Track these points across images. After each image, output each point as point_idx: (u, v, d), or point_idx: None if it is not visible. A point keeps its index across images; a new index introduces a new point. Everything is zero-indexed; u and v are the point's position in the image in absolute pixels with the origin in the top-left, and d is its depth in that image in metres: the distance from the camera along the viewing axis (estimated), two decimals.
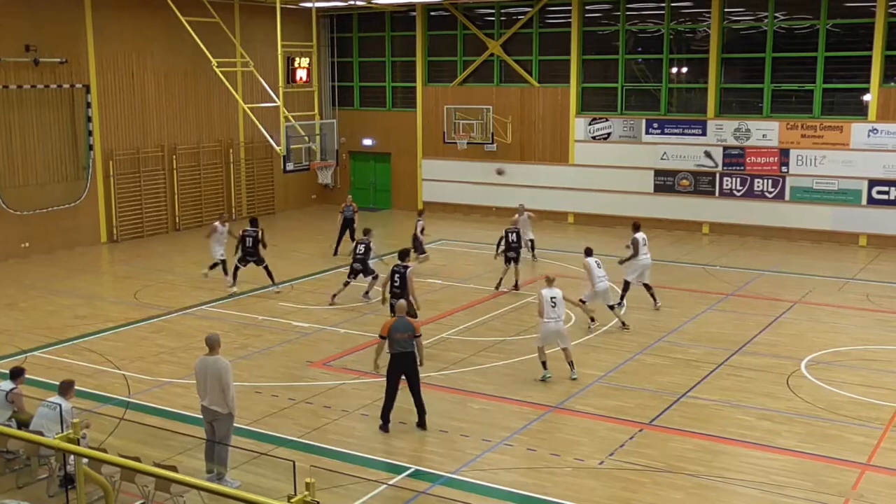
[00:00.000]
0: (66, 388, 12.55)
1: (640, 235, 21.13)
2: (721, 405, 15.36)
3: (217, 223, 24.09)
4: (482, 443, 13.84)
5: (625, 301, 21.03)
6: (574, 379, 16.46)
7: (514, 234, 23.14)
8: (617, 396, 15.80)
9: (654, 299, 21.26)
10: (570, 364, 16.59)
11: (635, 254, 20.96)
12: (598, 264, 19.70)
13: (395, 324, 14.35)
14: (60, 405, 12.11)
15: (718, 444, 13.79)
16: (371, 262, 22.04)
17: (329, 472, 12.35)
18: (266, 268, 23.04)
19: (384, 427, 14.32)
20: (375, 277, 21.81)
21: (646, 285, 21.29)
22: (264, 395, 15.93)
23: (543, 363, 16.59)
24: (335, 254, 27.18)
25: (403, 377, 14.45)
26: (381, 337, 14.46)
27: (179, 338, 19.28)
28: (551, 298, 16.44)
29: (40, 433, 11.47)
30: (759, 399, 15.57)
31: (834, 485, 12.38)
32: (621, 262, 21.41)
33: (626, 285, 21.22)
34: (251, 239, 22.97)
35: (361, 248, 21.87)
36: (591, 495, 12.15)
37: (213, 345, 12.58)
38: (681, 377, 16.69)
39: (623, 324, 19.76)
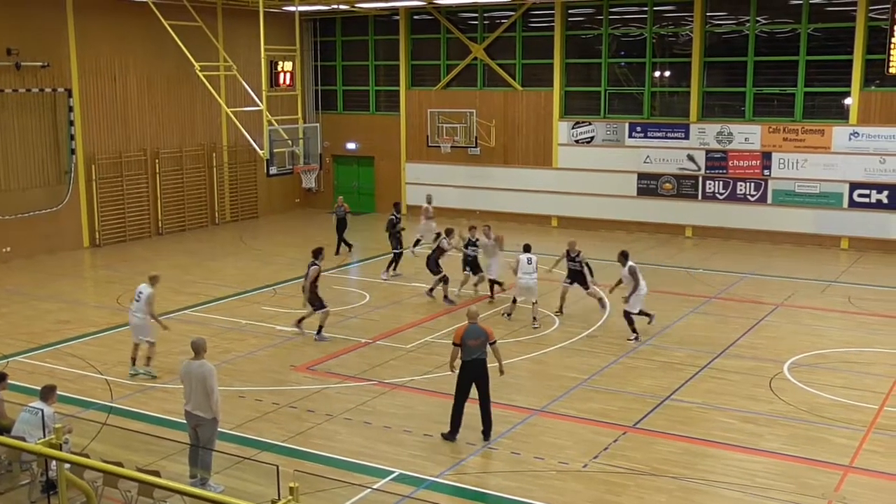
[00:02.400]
0: (47, 393, 12.49)
1: (634, 264, 19.80)
2: (704, 408, 15.41)
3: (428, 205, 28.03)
4: (466, 446, 13.84)
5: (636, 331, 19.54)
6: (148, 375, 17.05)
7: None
8: (600, 400, 15.83)
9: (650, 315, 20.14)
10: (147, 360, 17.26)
11: (636, 285, 19.41)
12: (528, 261, 20.58)
13: (468, 330, 13.95)
14: (42, 410, 12.04)
15: (702, 447, 13.83)
16: (441, 262, 22.84)
17: (313, 476, 12.32)
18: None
19: (452, 436, 13.98)
20: (443, 279, 22.50)
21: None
22: (248, 399, 15.89)
23: (148, 359, 17.29)
24: (337, 253, 27.39)
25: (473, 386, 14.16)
26: (455, 345, 13.99)
27: (162, 342, 19.14)
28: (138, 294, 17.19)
29: (22, 439, 11.41)
30: (742, 402, 15.62)
31: (817, 486, 12.43)
32: (626, 300, 19.57)
33: (630, 318, 19.49)
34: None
35: (473, 250, 22.71)
36: (575, 498, 12.17)
37: (198, 349, 12.55)
38: (664, 380, 16.74)
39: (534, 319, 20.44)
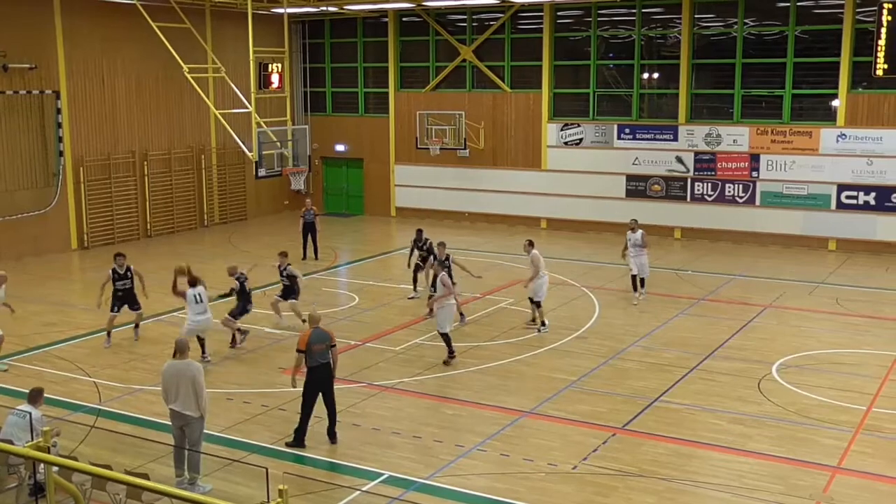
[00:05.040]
0: (35, 396, 12.44)
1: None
2: (693, 409, 15.44)
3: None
4: (455, 448, 13.84)
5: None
6: None
7: None
8: (590, 401, 15.85)
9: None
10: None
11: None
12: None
13: (313, 335, 13.88)
14: (30, 413, 12.00)
15: (690, 448, 13.86)
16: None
17: (302, 478, 12.31)
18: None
19: (300, 444, 13.92)
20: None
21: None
22: (236, 401, 15.86)
23: None
24: (304, 258, 27.23)
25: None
26: (300, 351, 13.87)
27: (151, 344, 19.17)
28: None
29: (10, 442, 11.37)
30: (731, 403, 15.66)
31: (805, 488, 12.46)
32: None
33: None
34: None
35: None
36: (564, 500, 12.18)
37: (183, 348, 12.57)
38: (653, 381, 16.76)
39: (543, 323, 20.05)
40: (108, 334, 19.28)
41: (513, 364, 17.86)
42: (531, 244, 20.45)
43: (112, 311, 19.23)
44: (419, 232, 23.50)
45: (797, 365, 17.69)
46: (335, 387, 14.27)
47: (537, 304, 20.12)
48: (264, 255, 27.89)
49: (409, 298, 22.93)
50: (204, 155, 33.87)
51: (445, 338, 17.71)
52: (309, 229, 27.62)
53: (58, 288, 24.60)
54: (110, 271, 19.42)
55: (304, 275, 24.54)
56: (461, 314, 20.37)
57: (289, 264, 20.49)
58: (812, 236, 29.10)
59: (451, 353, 17.72)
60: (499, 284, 23.90)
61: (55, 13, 28.65)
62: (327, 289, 24.34)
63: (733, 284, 24.45)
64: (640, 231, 22.42)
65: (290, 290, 20.32)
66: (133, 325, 19.75)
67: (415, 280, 23.20)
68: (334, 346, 14.06)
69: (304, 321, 19.55)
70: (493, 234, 31.97)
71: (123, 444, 13.54)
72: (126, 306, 19.37)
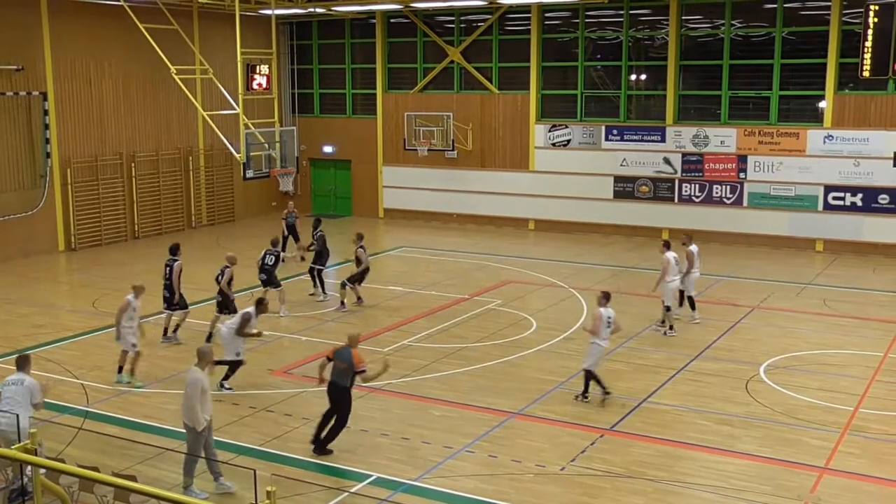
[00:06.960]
0: (24, 363, 12.53)
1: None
2: (681, 410, 15.48)
3: None
4: (444, 449, 13.84)
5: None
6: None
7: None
8: (578, 402, 15.85)
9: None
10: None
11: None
12: (675, 260, 20.05)
13: (338, 351, 13.87)
14: (24, 379, 12.14)
15: (678, 449, 13.88)
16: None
17: (290, 480, 12.29)
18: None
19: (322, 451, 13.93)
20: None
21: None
22: (225, 403, 15.82)
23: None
24: (283, 260, 27.24)
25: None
26: (328, 358, 13.98)
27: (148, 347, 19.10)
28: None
29: (16, 415, 11.51)
30: (719, 404, 15.70)
31: (792, 488, 12.50)
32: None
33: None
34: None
35: (271, 258, 21.52)
36: (552, 501, 12.19)
37: (198, 357, 12.58)
38: (641, 383, 16.79)
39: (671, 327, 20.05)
40: (165, 332, 19.53)
41: (501, 365, 17.87)
42: (667, 246, 20.50)
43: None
44: (317, 221, 24.17)
45: (784, 366, 17.75)
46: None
47: (668, 308, 20.09)
48: (253, 256, 27.89)
49: (319, 301, 22.95)
50: (191, 156, 33.80)
51: (590, 375, 15.86)
52: (291, 231, 27.72)
53: (45, 290, 24.52)
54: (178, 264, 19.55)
55: (291, 277, 24.50)
56: (359, 298, 22.11)
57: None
58: (799, 237, 29.20)
59: (603, 389, 15.76)
60: (486, 286, 23.91)
61: (42, 14, 28.55)
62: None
63: (721, 285, 24.51)
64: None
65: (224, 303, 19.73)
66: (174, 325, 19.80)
67: (313, 279, 23.41)
68: (359, 372, 13.67)
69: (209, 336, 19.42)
70: (481, 235, 31.98)
71: (111, 446, 13.49)
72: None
